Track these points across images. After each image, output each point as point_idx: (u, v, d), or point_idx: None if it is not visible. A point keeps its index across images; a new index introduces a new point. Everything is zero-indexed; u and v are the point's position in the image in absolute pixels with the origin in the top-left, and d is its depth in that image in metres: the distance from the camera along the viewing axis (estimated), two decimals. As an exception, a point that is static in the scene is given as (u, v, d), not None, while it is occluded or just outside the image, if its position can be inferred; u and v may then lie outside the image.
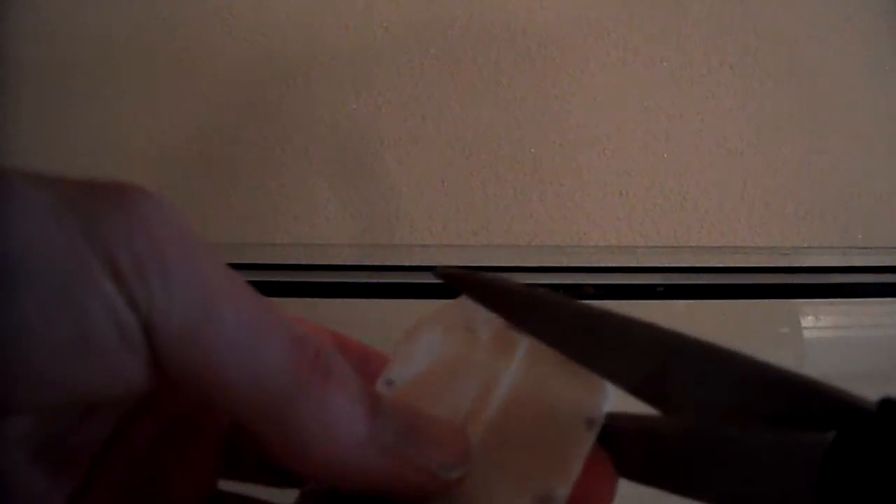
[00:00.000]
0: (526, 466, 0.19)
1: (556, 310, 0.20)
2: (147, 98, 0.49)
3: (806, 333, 0.51)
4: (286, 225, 0.49)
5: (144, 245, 0.15)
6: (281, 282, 0.46)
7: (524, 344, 0.21)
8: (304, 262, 0.48)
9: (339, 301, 0.47)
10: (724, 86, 0.53)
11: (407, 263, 0.49)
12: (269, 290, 0.47)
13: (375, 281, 0.47)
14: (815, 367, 0.51)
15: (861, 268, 0.52)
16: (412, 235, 0.49)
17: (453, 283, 0.22)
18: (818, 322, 0.52)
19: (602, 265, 0.49)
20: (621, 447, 0.19)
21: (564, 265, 0.50)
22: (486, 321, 0.22)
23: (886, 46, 0.54)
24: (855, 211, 0.53)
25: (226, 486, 0.21)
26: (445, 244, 0.50)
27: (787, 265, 0.52)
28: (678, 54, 0.52)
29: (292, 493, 0.20)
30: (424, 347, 0.22)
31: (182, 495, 0.20)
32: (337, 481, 0.18)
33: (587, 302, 0.20)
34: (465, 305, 0.22)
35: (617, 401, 0.20)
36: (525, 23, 0.52)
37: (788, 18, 0.54)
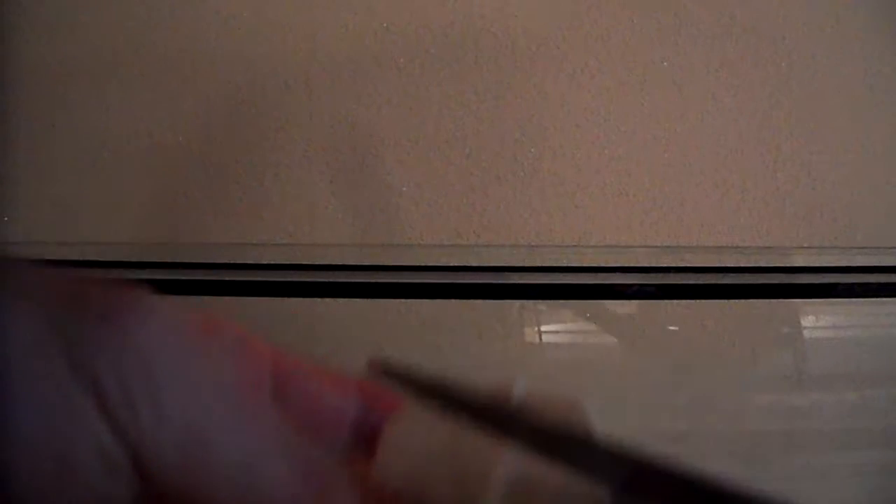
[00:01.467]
0: None
1: (483, 409, 0.19)
2: (147, 98, 0.49)
3: (806, 333, 0.51)
4: (286, 225, 0.49)
5: (133, 370, 0.14)
6: (281, 282, 0.46)
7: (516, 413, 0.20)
8: (304, 262, 0.48)
9: (339, 301, 0.47)
10: (724, 86, 0.53)
11: (407, 263, 0.49)
12: (270, 290, 0.47)
13: (375, 281, 0.47)
14: (815, 367, 0.51)
15: (861, 268, 0.52)
16: (412, 235, 0.49)
17: (388, 378, 0.21)
18: (818, 322, 0.52)
19: (602, 265, 0.49)
20: None
21: (564, 265, 0.50)
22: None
23: (886, 46, 0.54)
24: (855, 211, 0.53)
25: None
26: (445, 244, 0.50)
27: (787, 265, 0.52)
28: (678, 54, 0.52)
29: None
30: (412, 434, 0.20)
31: None
32: None
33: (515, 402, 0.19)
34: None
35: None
36: (525, 23, 0.52)
37: (788, 19, 0.54)
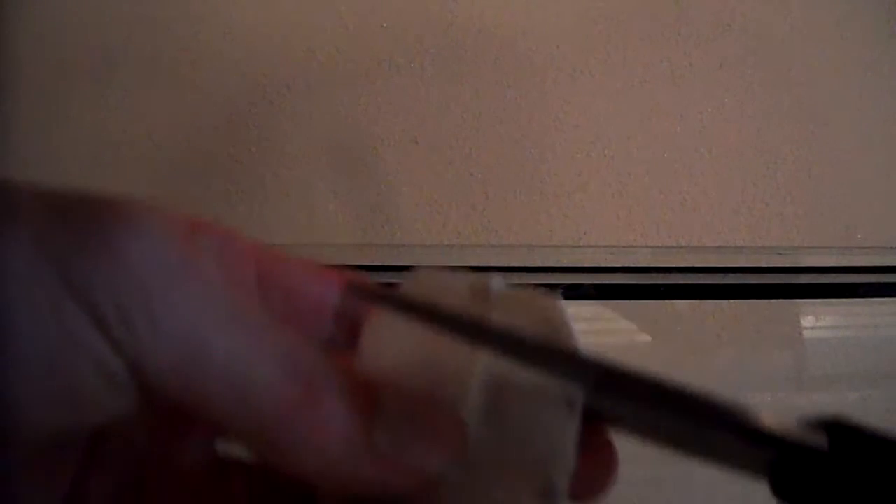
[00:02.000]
0: (521, 458, 0.19)
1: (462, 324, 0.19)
2: (147, 98, 0.49)
3: (806, 333, 0.51)
4: (286, 225, 0.49)
5: (127, 290, 0.15)
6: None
7: (494, 311, 0.20)
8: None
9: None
10: (724, 86, 0.53)
11: (407, 263, 0.49)
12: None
13: (375, 281, 0.47)
14: (815, 367, 0.51)
15: (861, 268, 0.52)
16: (412, 235, 0.49)
17: (363, 297, 0.21)
18: (818, 322, 0.52)
19: (602, 265, 0.49)
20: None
21: (564, 265, 0.50)
22: (446, 289, 0.21)
23: (886, 46, 0.54)
24: (855, 211, 0.53)
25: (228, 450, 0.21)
26: (445, 244, 0.50)
27: (787, 265, 0.52)
28: (678, 54, 0.52)
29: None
30: (391, 333, 0.20)
31: (182, 464, 0.20)
32: (334, 489, 0.18)
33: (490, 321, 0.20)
34: (421, 279, 0.21)
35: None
36: (525, 22, 0.52)
37: (787, 19, 0.54)
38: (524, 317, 0.20)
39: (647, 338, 0.51)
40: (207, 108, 0.50)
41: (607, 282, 0.50)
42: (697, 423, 0.17)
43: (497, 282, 0.21)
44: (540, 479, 0.18)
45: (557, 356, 0.18)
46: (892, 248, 0.53)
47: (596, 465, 0.19)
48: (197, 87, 0.49)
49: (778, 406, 0.51)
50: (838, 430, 0.17)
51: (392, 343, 0.20)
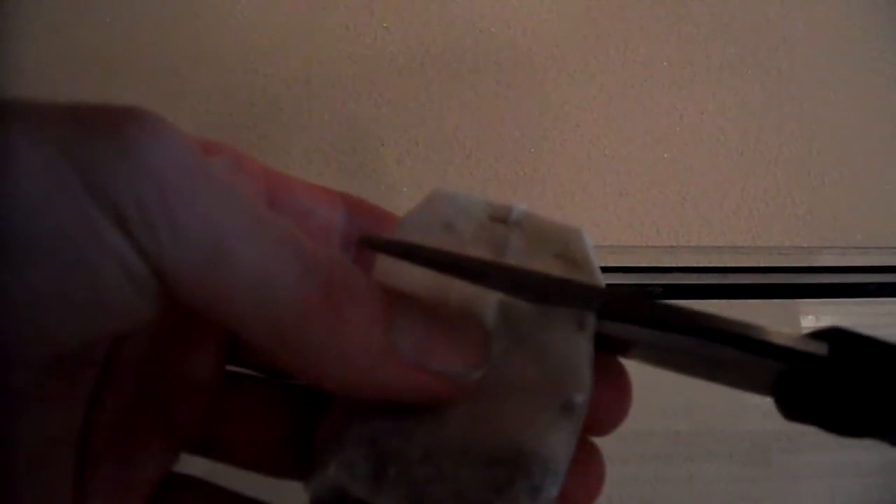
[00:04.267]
0: (539, 374, 0.19)
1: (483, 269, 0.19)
2: (146, 98, 0.49)
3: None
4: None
5: (149, 191, 0.14)
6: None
7: (513, 237, 0.21)
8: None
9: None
10: (724, 86, 0.53)
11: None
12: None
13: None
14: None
15: (861, 268, 0.52)
16: (412, 235, 0.49)
17: (375, 249, 0.21)
18: (818, 322, 0.52)
19: (602, 265, 0.49)
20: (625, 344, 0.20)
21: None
22: (463, 213, 0.21)
23: (886, 46, 0.54)
24: (855, 211, 0.53)
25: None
26: (445, 244, 0.49)
27: (787, 265, 0.52)
28: (678, 54, 0.52)
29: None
30: (399, 267, 0.20)
31: (191, 381, 0.20)
32: (355, 395, 0.18)
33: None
34: (437, 200, 0.21)
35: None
36: (525, 22, 0.52)
37: (788, 18, 0.54)
38: (544, 247, 0.21)
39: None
40: (207, 108, 0.50)
41: (607, 281, 0.50)
42: (706, 341, 0.18)
43: (519, 209, 0.21)
44: (560, 394, 0.19)
45: (564, 291, 0.19)
46: (892, 248, 0.53)
47: (611, 393, 0.20)
48: (196, 87, 0.50)
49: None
50: (838, 337, 0.18)
51: (406, 268, 0.19)
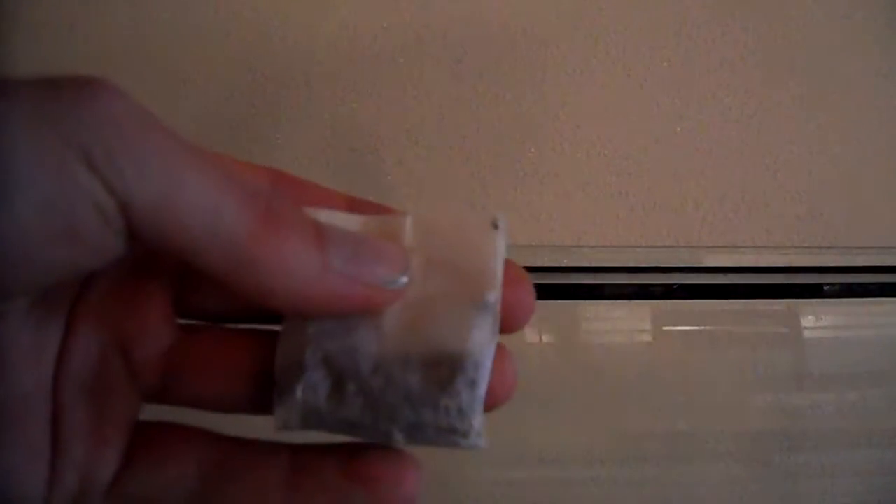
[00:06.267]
0: (456, 277, 0.22)
1: None
2: (145, 98, 0.49)
3: (806, 333, 0.51)
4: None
5: (114, 138, 0.17)
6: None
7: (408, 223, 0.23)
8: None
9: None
10: (724, 86, 0.53)
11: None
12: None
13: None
14: (816, 367, 0.51)
15: (861, 268, 0.52)
16: (412, 235, 0.49)
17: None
18: (818, 322, 0.52)
19: (602, 265, 0.49)
20: None
21: (564, 265, 0.50)
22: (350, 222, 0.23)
23: (887, 46, 0.54)
24: (855, 211, 0.53)
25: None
26: (445, 244, 0.49)
27: (787, 265, 0.52)
28: (678, 54, 0.52)
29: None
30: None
31: (147, 326, 0.23)
32: (300, 310, 0.21)
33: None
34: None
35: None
36: (525, 22, 0.52)
37: (789, 18, 0.54)
38: (446, 249, 0.23)
39: (647, 338, 0.51)
40: (207, 108, 0.50)
41: (607, 281, 0.50)
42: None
43: (409, 220, 0.23)
44: (475, 293, 0.21)
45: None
46: (892, 248, 0.53)
47: (515, 293, 0.22)
48: (196, 87, 0.50)
49: (778, 406, 0.51)
50: None
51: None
